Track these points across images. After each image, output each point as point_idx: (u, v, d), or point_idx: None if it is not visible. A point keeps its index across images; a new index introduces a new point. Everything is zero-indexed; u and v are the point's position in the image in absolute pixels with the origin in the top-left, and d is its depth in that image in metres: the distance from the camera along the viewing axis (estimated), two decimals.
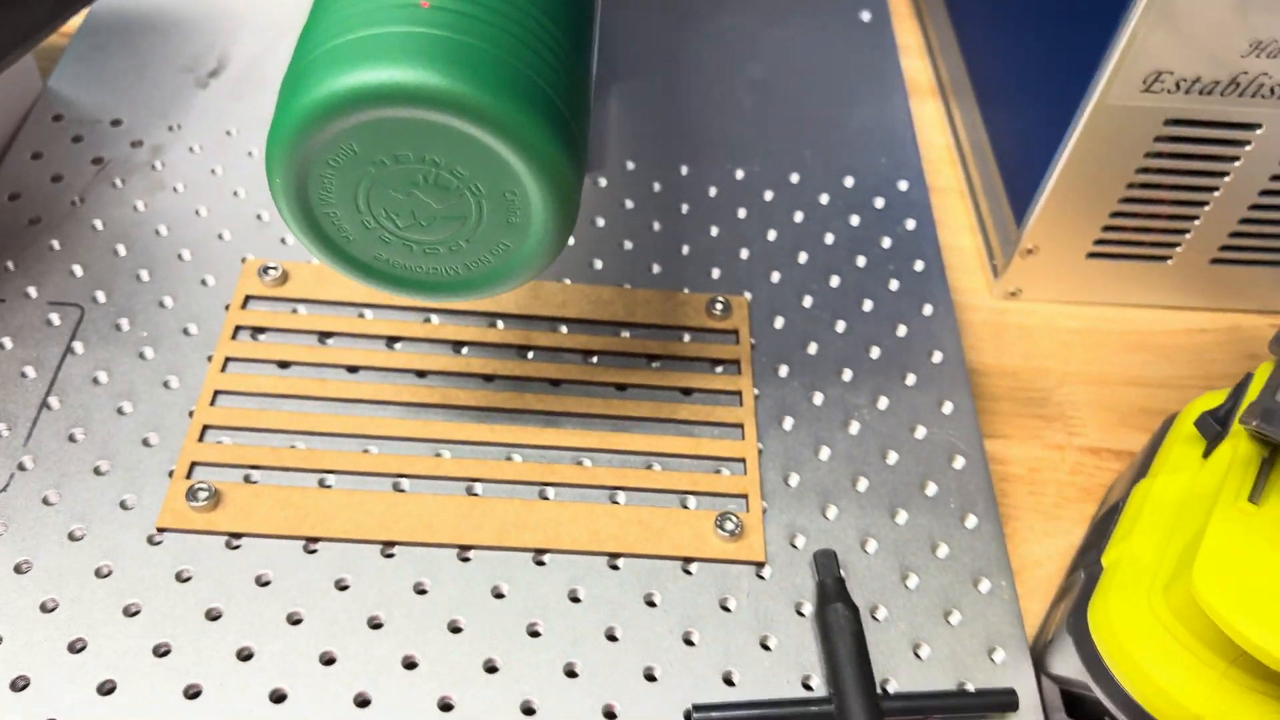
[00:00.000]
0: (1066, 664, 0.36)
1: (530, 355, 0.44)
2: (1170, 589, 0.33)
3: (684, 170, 0.52)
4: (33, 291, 0.44)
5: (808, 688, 0.36)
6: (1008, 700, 0.35)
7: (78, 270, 0.44)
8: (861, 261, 0.49)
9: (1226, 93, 0.42)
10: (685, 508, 0.41)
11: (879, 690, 0.36)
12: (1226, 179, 0.46)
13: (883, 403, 0.44)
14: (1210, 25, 0.40)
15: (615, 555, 0.39)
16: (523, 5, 0.28)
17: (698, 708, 0.35)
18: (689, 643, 0.37)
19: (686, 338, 0.46)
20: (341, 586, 0.37)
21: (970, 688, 0.37)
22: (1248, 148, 0.44)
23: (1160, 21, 0.40)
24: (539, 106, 0.27)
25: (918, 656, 0.38)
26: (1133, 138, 0.44)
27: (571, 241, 0.48)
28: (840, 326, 0.47)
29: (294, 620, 0.36)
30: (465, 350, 0.44)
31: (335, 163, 0.28)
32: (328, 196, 0.29)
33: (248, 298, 0.44)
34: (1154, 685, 0.33)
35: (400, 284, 0.32)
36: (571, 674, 0.36)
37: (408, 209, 0.29)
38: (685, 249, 0.49)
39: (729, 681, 0.36)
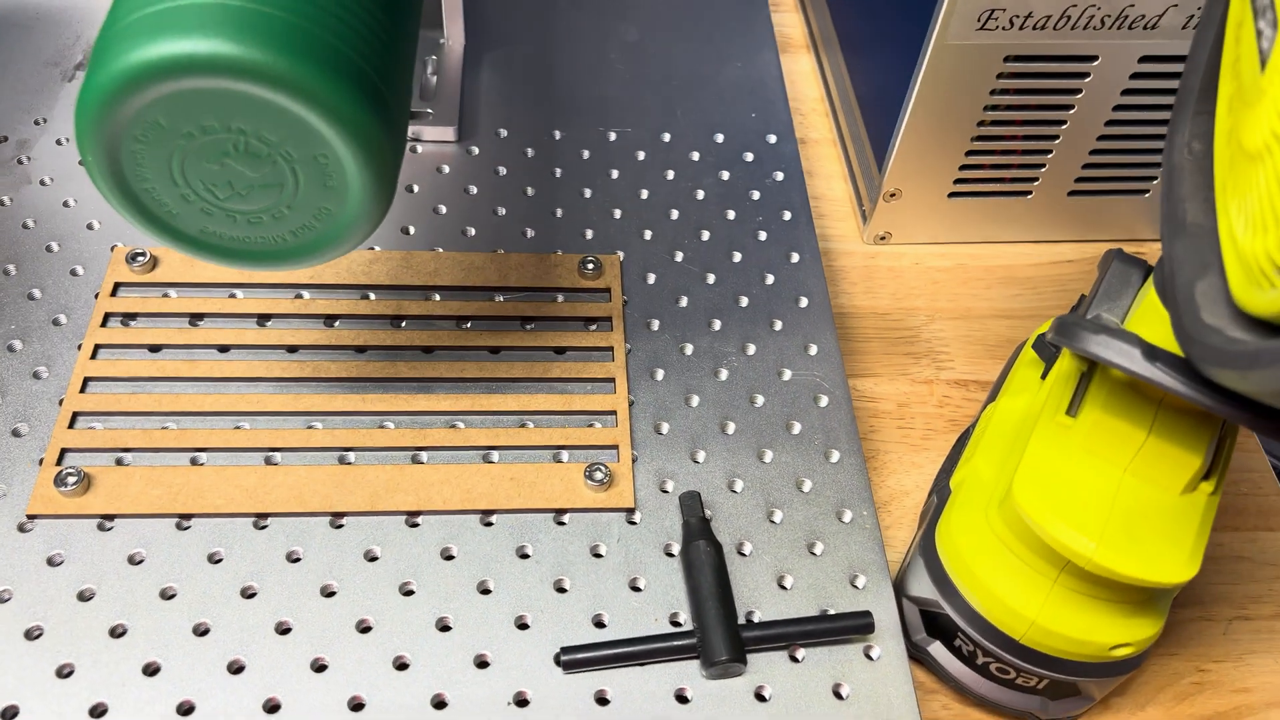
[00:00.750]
0: (920, 585, 0.38)
1: (403, 325, 0.45)
2: (1003, 505, 0.35)
3: (557, 135, 0.53)
4: None
5: (676, 624, 0.38)
6: (864, 622, 0.37)
7: None
8: (731, 215, 0.50)
9: (1059, 26, 0.44)
10: (558, 462, 0.41)
11: (742, 620, 0.37)
12: (1072, 111, 0.47)
13: (751, 349, 0.45)
14: None
15: (488, 512, 0.40)
16: None
17: (565, 650, 0.36)
18: (560, 590, 0.38)
19: (560, 298, 0.46)
20: (215, 560, 0.38)
21: (831, 613, 0.38)
22: (1088, 79, 0.46)
23: None
24: (336, 67, 0.27)
25: (782, 587, 0.39)
26: (976, 76, 0.45)
27: (443, 210, 0.49)
28: (710, 279, 0.48)
29: (167, 596, 0.37)
30: (337, 323, 0.44)
31: (144, 138, 0.28)
32: (142, 172, 0.29)
33: (117, 285, 0.45)
34: (993, 596, 0.35)
35: (234, 256, 0.32)
36: (445, 628, 0.37)
37: (223, 179, 0.29)
38: (559, 212, 0.50)
39: (599, 624, 0.38)
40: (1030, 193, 0.51)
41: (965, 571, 0.35)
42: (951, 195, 0.51)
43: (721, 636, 0.36)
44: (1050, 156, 0.49)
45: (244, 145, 0.29)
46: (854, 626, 0.37)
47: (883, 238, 0.53)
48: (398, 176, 0.31)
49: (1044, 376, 0.38)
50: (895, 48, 0.48)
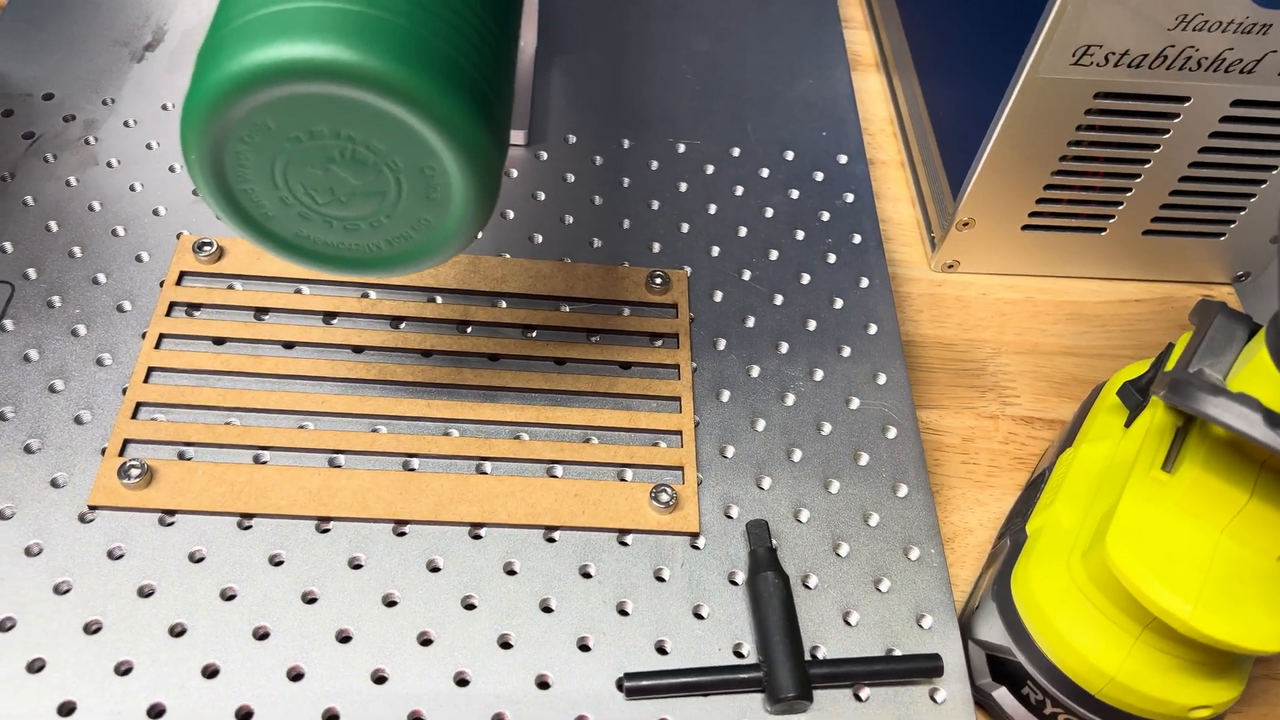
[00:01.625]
0: (991, 629, 0.37)
1: (469, 330, 0.44)
2: (1088, 556, 0.34)
3: (626, 144, 0.52)
4: None
5: (739, 655, 0.37)
6: (933, 665, 0.36)
7: (8, 246, 0.44)
8: (800, 235, 0.49)
9: (1155, 66, 0.43)
10: (622, 480, 0.41)
11: (808, 656, 0.37)
12: (1157, 151, 0.46)
13: (818, 375, 0.45)
14: None
15: (551, 528, 0.39)
16: None
17: (629, 676, 0.35)
18: (623, 613, 0.38)
19: (626, 311, 0.46)
20: (276, 562, 0.37)
21: (897, 653, 0.37)
22: (1177, 120, 0.45)
23: None
24: (454, 80, 0.27)
25: (848, 623, 0.38)
26: (1064, 110, 0.44)
27: (511, 215, 0.48)
28: (778, 300, 0.47)
29: (227, 596, 0.36)
30: (403, 325, 0.44)
31: (250, 139, 0.28)
32: (244, 173, 0.28)
33: (183, 274, 0.44)
34: (1071, 649, 0.34)
35: (324, 260, 0.31)
36: (506, 645, 0.36)
37: (325, 185, 0.29)
38: (626, 223, 0.49)
39: (662, 650, 0.37)
40: (1105, 229, 0.50)
41: (1042, 620, 0.35)
42: (1025, 228, 0.50)
43: (789, 672, 0.35)
44: (1129, 195, 0.48)
45: (351, 152, 0.28)
46: (923, 669, 0.36)
47: (950, 265, 0.52)
48: (499, 192, 0.30)
49: (1128, 424, 0.38)
50: (980, 75, 0.47)
